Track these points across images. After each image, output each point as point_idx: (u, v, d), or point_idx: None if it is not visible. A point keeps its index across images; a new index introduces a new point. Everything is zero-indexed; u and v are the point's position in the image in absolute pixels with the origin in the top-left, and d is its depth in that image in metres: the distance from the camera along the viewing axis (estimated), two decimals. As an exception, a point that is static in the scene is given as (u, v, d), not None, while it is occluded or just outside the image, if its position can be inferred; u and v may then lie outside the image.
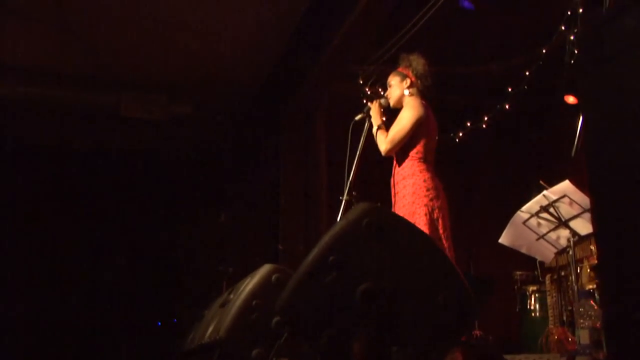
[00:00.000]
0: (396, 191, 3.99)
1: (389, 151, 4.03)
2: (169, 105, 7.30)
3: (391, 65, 6.27)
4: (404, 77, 4.22)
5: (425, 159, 3.97)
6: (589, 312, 2.83)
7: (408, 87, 4.18)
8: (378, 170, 4.48)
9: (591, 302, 2.99)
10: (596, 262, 5.16)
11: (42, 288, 8.38)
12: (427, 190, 3.86)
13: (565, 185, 3.57)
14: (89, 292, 8.43)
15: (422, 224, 3.74)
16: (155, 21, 6.35)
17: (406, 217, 3.75)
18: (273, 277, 3.13)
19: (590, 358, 2.33)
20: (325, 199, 6.80)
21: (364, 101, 6.57)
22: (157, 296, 8.53)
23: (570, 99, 6.66)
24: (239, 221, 7.77)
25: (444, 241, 3.77)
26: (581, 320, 2.84)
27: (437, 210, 3.82)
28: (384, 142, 4.03)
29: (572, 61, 5.43)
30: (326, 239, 2.11)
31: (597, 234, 1.62)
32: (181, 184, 9.09)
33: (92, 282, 8.47)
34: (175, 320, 8.33)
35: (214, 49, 6.84)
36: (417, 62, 4.22)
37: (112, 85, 7.18)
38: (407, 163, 3.98)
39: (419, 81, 4.19)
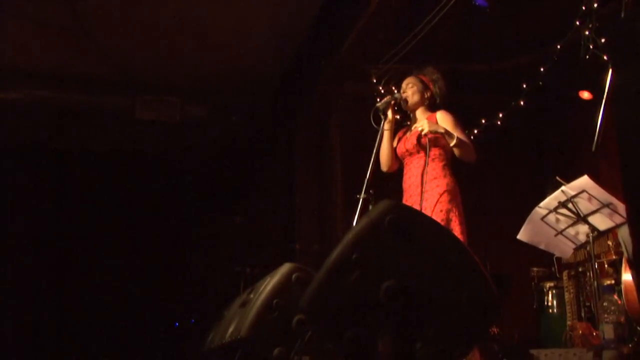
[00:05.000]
0: (426, 189, 3.99)
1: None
2: (183, 107, 7.34)
3: (405, 65, 6.32)
4: (426, 87, 4.27)
5: (450, 162, 4.10)
6: (612, 307, 2.83)
7: (428, 99, 4.25)
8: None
9: (614, 296, 2.98)
10: (614, 257, 5.16)
11: (56, 290, 8.44)
12: (457, 192, 4.00)
13: (584, 181, 3.56)
14: (105, 294, 8.47)
15: (457, 223, 3.86)
16: (170, 25, 6.39)
17: (440, 215, 3.86)
18: (293, 276, 3.14)
19: (617, 352, 2.33)
20: (340, 198, 6.81)
21: (378, 100, 6.58)
22: (174, 297, 8.56)
23: (585, 95, 6.63)
24: (255, 221, 7.80)
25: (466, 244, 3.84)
26: (605, 315, 2.84)
27: (463, 212, 3.97)
28: (471, 148, 4.05)
29: (587, 57, 5.42)
30: (349, 237, 2.12)
31: (633, 233, 1.62)
32: (196, 185, 9.13)
33: (108, 284, 8.51)
34: (193, 320, 8.36)
35: (228, 52, 6.87)
36: (442, 82, 4.30)
37: (127, 88, 7.23)
38: (437, 165, 4.04)
39: (438, 99, 4.26)
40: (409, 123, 4.41)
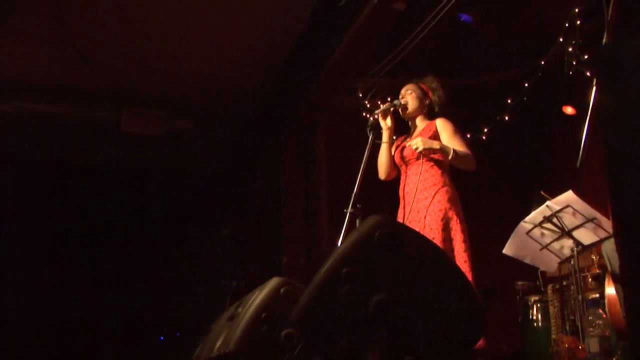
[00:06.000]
0: (425, 196, 4.02)
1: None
2: (169, 120, 7.33)
3: (391, 79, 6.37)
4: (425, 95, 4.29)
5: (449, 171, 4.12)
6: (598, 321, 2.85)
7: (426, 107, 4.28)
8: (380, 183, 4.50)
9: (599, 310, 3.01)
10: (597, 271, 5.22)
11: (42, 306, 8.36)
12: (457, 200, 4.03)
13: (569, 196, 3.60)
14: (90, 308, 8.41)
15: (458, 231, 3.88)
16: (155, 37, 6.40)
17: (442, 220, 3.88)
18: (281, 290, 3.14)
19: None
20: (326, 211, 6.82)
21: (364, 114, 6.62)
22: (159, 311, 8.51)
23: (569, 110, 6.71)
24: (241, 235, 7.79)
25: (471, 251, 3.88)
26: (590, 329, 2.87)
27: (464, 220, 3.98)
28: (469, 158, 4.05)
29: (570, 72, 5.50)
30: (339, 251, 2.14)
31: (620, 246, 1.65)
32: (182, 199, 9.11)
33: (93, 297, 8.45)
34: (178, 334, 8.32)
35: (214, 65, 6.88)
36: (442, 91, 4.33)
37: (112, 101, 7.21)
38: (436, 172, 4.06)
39: (436, 107, 4.29)
40: (404, 136, 4.43)
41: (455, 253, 3.83)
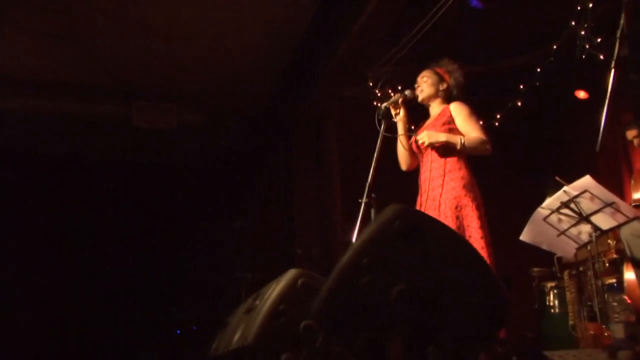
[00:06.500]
0: (440, 184, 3.99)
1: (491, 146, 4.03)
2: (180, 114, 7.33)
3: (401, 66, 6.33)
4: (441, 79, 4.25)
5: (466, 157, 4.07)
6: (621, 306, 2.82)
7: (444, 91, 4.22)
8: (395, 171, 4.47)
9: (623, 296, 2.97)
10: (614, 256, 5.17)
11: (54, 296, 8.39)
12: (474, 185, 3.99)
13: (586, 181, 3.56)
14: (104, 302, 8.44)
15: (474, 217, 3.84)
16: (165, 31, 6.38)
17: (457, 207, 3.86)
18: (299, 282, 3.13)
19: (632, 353, 2.32)
20: (339, 201, 6.80)
21: (375, 103, 6.58)
22: (174, 305, 8.53)
23: (582, 94, 6.65)
24: (254, 227, 7.78)
25: (489, 238, 3.87)
26: (615, 315, 2.83)
27: (482, 206, 3.95)
28: (481, 143, 4.00)
29: (583, 56, 5.43)
30: (359, 241, 2.12)
31: None
32: (194, 191, 9.10)
33: (107, 292, 8.47)
34: (195, 327, 8.33)
35: (223, 58, 6.86)
36: (459, 73, 4.27)
37: (123, 96, 7.20)
38: (453, 158, 4.01)
39: (455, 90, 4.23)
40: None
41: (472, 240, 3.79)
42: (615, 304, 2.91)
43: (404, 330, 2.02)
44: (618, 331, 2.78)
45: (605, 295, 4.53)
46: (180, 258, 8.82)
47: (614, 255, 5.08)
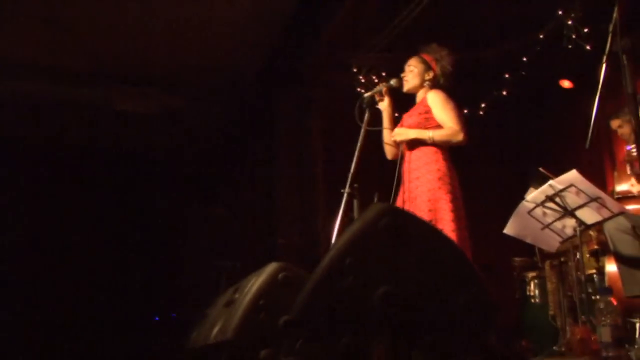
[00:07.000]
0: (417, 176, 3.96)
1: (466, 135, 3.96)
2: (161, 98, 7.24)
3: (386, 53, 6.26)
4: (428, 67, 4.16)
5: (445, 148, 4.01)
6: (609, 308, 2.80)
7: (430, 80, 4.15)
8: (378, 162, 4.41)
9: (611, 298, 2.95)
10: (595, 247, 5.18)
11: (33, 284, 8.29)
12: (451, 177, 3.93)
13: (573, 175, 3.52)
14: (84, 288, 8.36)
15: (447, 210, 3.79)
16: (146, 13, 6.26)
17: (429, 200, 3.82)
18: (280, 276, 3.06)
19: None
20: (322, 189, 6.75)
21: (358, 89, 6.52)
22: (154, 291, 8.47)
23: (566, 83, 6.64)
24: (235, 214, 7.73)
25: (464, 231, 3.85)
26: (602, 318, 2.80)
27: (459, 198, 3.91)
28: (453, 134, 3.94)
29: (570, 46, 5.41)
30: (342, 241, 2.05)
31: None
32: (175, 177, 9.01)
33: (87, 278, 8.39)
34: (174, 315, 8.29)
35: (206, 41, 6.76)
36: (447, 60, 4.19)
37: (104, 79, 7.09)
38: (430, 150, 3.97)
39: (442, 78, 4.16)
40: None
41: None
42: (602, 306, 2.88)
43: (388, 334, 1.96)
44: (605, 335, 2.75)
45: (586, 287, 4.55)
46: (159, 244, 8.75)
47: (595, 246, 5.10)
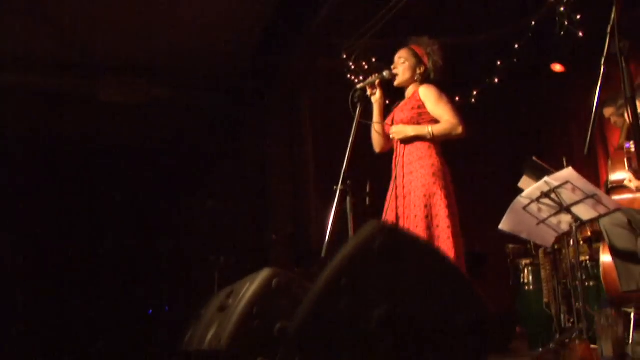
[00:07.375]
0: (410, 170, 3.93)
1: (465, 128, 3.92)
2: (148, 88, 7.14)
3: (377, 40, 6.18)
4: (420, 61, 4.09)
5: (438, 143, 3.98)
6: (611, 322, 2.77)
7: (421, 74, 4.09)
8: (370, 158, 4.37)
9: (612, 311, 2.93)
10: (589, 234, 5.19)
11: (26, 279, 8.25)
12: (444, 172, 3.90)
13: (569, 172, 3.50)
14: (76, 283, 8.32)
15: (442, 206, 3.76)
16: (131, 3, 6.14)
17: (425, 196, 3.80)
18: (273, 282, 3.03)
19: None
20: (313, 179, 6.72)
21: (348, 76, 6.45)
22: (146, 285, 8.44)
23: (557, 67, 6.60)
24: (226, 208, 7.67)
25: (458, 227, 3.82)
26: (604, 334, 2.78)
27: (452, 193, 3.88)
28: (452, 128, 3.90)
29: (562, 33, 5.36)
30: (337, 260, 2.00)
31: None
32: (164, 169, 8.93)
33: (78, 272, 8.35)
34: (167, 308, 8.28)
35: (193, 28, 6.66)
36: (438, 54, 4.11)
37: (89, 70, 6.98)
38: (425, 144, 3.93)
39: (432, 73, 4.10)
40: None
41: (439, 230, 3.76)
42: (603, 320, 2.86)
43: (386, 355, 1.93)
44: (606, 349, 2.73)
45: (579, 274, 4.56)
46: (151, 238, 8.70)
47: (588, 234, 5.11)
